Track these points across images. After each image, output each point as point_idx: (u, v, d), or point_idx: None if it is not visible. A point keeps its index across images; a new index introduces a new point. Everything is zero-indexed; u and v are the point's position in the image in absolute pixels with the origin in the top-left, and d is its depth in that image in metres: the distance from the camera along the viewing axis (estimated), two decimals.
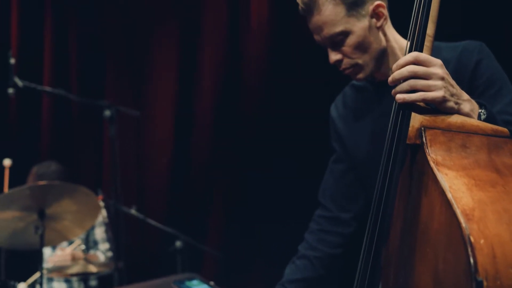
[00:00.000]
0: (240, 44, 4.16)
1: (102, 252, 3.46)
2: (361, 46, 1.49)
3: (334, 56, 1.52)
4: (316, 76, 3.29)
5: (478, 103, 1.24)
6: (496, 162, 1.12)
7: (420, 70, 1.15)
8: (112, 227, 3.03)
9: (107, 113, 2.84)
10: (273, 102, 4.01)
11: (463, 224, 0.94)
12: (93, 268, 3.01)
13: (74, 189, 2.83)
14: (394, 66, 1.19)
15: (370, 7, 1.50)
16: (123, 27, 4.41)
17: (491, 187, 1.04)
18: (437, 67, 1.17)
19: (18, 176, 3.61)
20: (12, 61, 3.01)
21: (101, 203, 3.08)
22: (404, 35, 1.54)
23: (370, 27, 1.50)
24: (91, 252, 3.50)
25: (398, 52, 1.55)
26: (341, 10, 1.47)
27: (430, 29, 1.21)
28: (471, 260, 0.90)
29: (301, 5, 1.53)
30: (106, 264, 3.07)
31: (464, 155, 1.13)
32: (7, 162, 3.30)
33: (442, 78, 1.16)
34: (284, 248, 2.06)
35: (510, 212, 0.98)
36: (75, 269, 3.00)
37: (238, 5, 4.17)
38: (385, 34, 1.55)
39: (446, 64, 1.47)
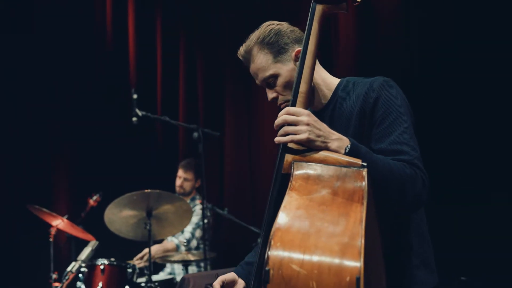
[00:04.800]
0: (332, 62, 4.52)
1: (181, 243, 4.18)
2: (289, 85, 1.72)
3: (270, 95, 1.79)
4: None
5: (350, 140, 1.55)
6: (338, 187, 1.44)
7: (289, 119, 1.50)
8: (209, 224, 3.69)
9: (195, 134, 3.49)
10: None
11: (272, 231, 1.33)
12: (191, 257, 3.72)
13: (170, 196, 3.58)
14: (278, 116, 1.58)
15: (292, 53, 1.75)
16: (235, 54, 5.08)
17: (316, 206, 1.39)
18: (304, 116, 1.50)
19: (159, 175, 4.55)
20: (135, 96, 3.88)
21: (199, 205, 3.78)
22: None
23: (294, 69, 1.73)
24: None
25: (324, 88, 1.79)
26: (269, 58, 1.75)
27: (303, 88, 1.56)
28: (265, 256, 1.29)
29: (241, 58, 1.81)
30: (199, 254, 3.76)
31: (317, 182, 1.47)
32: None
33: (307, 124, 1.49)
34: None
35: (313, 226, 1.32)
36: (179, 257, 3.74)
37: (329, 28, 4.53)
38: None
39: (358, 98, 1.70)
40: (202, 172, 3.51)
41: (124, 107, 5.41)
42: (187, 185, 4.38)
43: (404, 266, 1.69)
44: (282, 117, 1.53)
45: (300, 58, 1.58)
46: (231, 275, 1.82)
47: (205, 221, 3.63)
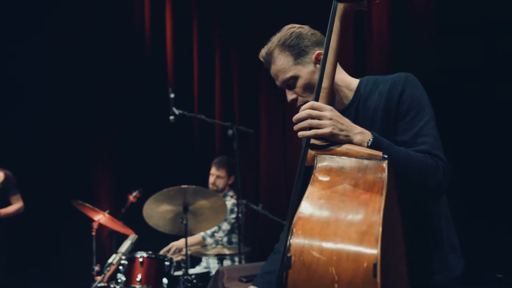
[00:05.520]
0: (364, 56, 4.53)
1: (208, 236, 4.27)
2: (309, 87, 1.76)
3: (290, 96, 1.81)
4: (428, 83, 3.57)
5: (372, 133, 1.60)
6: (359, 179, 1.49)
7: (314, 113, 1.55)
8: (241, 219, 3.78)
9: (230, 132, 3.58)
10: None
11: (294, 220, 1.40)
12: (226, 251, 3.82)
13: (206, 191, 3.68)
14: (300, 110, 1.64)
15: (312, 56, 1.78)
16: None
17: (337, 197, 1.44)
18: (327, 111, 1.55)
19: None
20: (172, 95, 3.99)
21: (234, 201, 3.88)
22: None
23: (314, 71, 1.77)
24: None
25: (344, 89, 1.81)
26: (290, 60, 1.78)
27: (325, 83, 1.61)
28: (287, 243, 1.36)
29: (262, 60, 1.85)
30: (233, 248, 3.85)
31: (339, 173, 1.52)
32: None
33: (330, 119, 1.53)
34: None
35: (333, 215, 1.37)
36: (214, 251, 3.85)
37: (362, 24, 4.55)
38: None
39: (381, 95, 1.74)
40: (237, 168, 3.59)
41: (162, 106, 5.60)
42: (220, 182, 4.48)
43: (435, 251, 1.72)
44: (306, 111, 1.57)
45: (322, 55, 1.63)
46: None
47: (239, 215, 3.72)
